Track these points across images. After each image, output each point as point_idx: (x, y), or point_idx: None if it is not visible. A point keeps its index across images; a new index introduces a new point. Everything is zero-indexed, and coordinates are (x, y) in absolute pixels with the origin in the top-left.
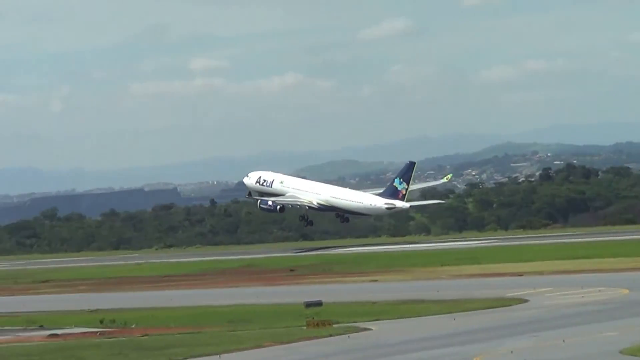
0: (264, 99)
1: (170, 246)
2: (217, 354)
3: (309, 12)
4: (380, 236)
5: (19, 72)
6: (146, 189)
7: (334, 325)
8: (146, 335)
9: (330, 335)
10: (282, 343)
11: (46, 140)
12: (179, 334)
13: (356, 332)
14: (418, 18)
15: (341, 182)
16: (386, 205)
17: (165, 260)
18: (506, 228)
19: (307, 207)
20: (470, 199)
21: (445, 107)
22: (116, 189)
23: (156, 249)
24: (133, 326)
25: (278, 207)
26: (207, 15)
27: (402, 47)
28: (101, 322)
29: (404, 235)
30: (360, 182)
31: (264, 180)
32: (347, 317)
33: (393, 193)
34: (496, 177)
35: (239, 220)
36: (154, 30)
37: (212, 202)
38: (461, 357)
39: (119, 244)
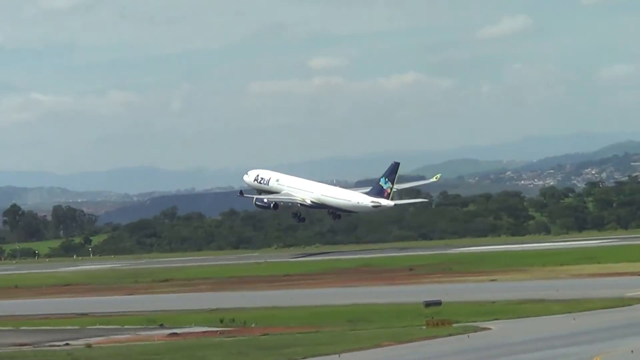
0: (383, 97)
1: (289, 245)
2: (336, 354)
3: (429, 11)
4: (499, 236)
5: (140, 71)
6: None
7: (454, 325)
8: (266, 334)
9: (450, 335)
10: (401, 342)
11: (166, 139)
12: (299, 333)
13: (475, 331)
14: (537, 16)
15: (460, 181)
16: (372, 204)
17: (284, 259)
18: (626, 227)
19: (299, 205)
20: (590, 198)
21: (565, 106)
22: (236, 188)
23: (275, 248)
24: (253, 325)
25: (272, 204)
26: (326, 13)
27: (522, 46)
28: (221, 321)
29: (524, 235)
30: (479, 182)
31: (262, 178)
32: (466, 316)
33: (379, 192)
34: (616, 176)
35: (358, 220)
36: (273, 29)
37: None
38: (581, 357)
39: (239, 243)
